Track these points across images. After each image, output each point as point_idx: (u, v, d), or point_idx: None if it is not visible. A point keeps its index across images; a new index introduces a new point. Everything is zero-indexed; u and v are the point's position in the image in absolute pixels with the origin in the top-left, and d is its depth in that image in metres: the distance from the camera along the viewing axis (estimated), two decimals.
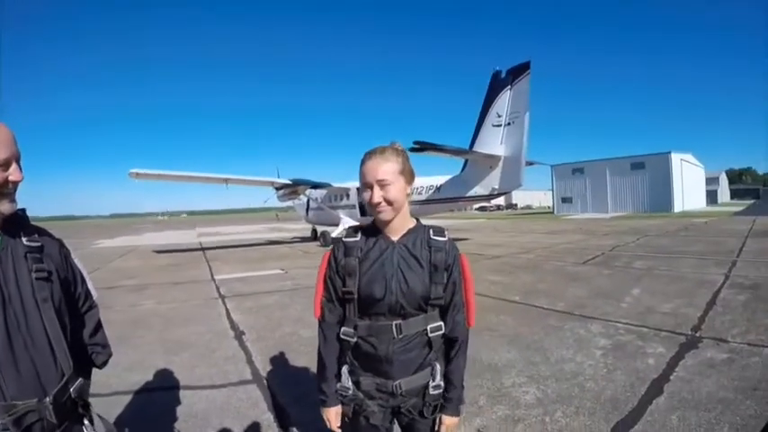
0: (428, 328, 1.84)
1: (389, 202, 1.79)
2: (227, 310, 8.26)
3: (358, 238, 1.89)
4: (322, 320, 1.94)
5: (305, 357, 5.36)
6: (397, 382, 1.81)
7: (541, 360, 5.06)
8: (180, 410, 4.08)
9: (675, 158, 47.52)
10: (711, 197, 69.19)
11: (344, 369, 1.89)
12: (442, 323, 1.88)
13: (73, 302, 1.80)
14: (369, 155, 1.83)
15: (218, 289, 10.65)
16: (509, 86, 16.53)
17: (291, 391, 4.42)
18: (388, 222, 1.85)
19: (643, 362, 4.83)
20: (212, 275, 13.03)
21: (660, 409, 3.75)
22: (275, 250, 20.73)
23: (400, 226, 1.88)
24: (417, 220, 1.96)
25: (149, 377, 4.93)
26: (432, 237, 1.87)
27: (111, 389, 4.44)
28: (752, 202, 68.99)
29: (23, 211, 1.62)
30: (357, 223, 14.84)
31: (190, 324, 7.24)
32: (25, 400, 1.47)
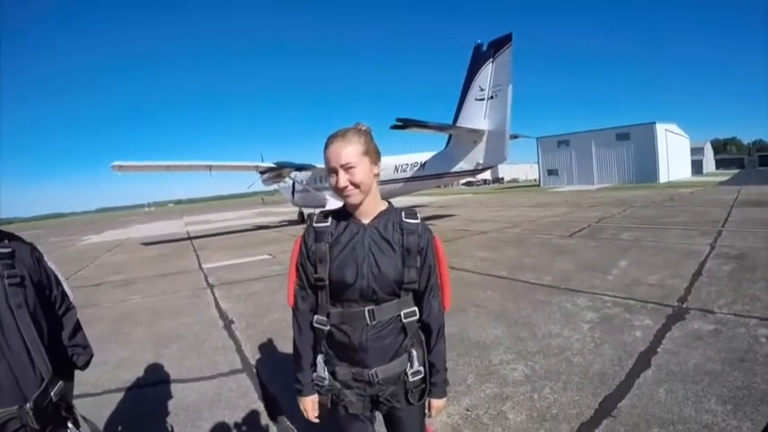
0: (402, 313, 1.82)
1: (356, 185, 1.75)
2: (215, 299, 8.24)
3: (328, 223, 1.86)
4: (295, 309, 1.91)
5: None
6: (373, 371, 1.79)
7: (529, 336, 5.09)
8: (171, 404, 4.09)
9: (660, 129, 47.70)
10: (697, 167, 69.71)
11: (320, 359, 1.87)
12: (416, 308, 1.86)
13: (49, 306, 1.78)
14: (330, 139, 1.79)
15: (206, 278, 10.60)
16: (491, 59, 16.36)
17: (280, 379, 4.41)
18: (357, 206, 1.81)
19: (630, 335, 4.87)
20: (200, 265, 12.96)
21: (648, 383, 3.78)
22: (263, 235, 20.64)
23: (371, 209, 1.85)
24: (389, 202, 1.93)
25: (140, 373, 4.91)
26: (404, 219, 1.85)
27: (103, 387, 4.45)
28: (736, 171, 69.68)
29: None
30: (343, 203, 14.86)
31: (178, 316, 7.22)
32: (6, 408, 1.46)
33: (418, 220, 1.86)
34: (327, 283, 1.79)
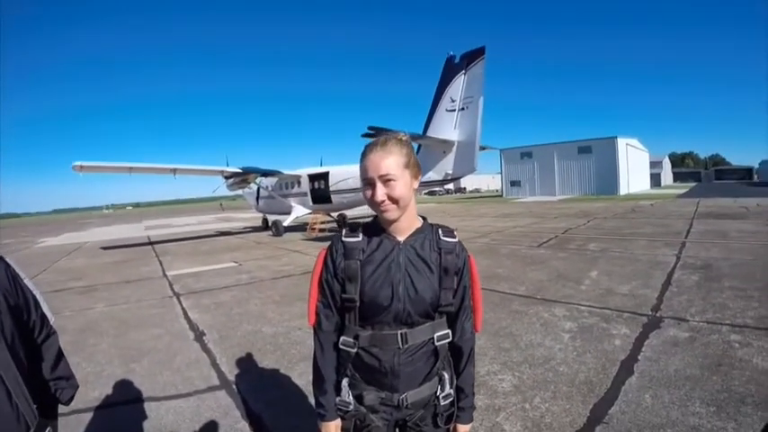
0: (435, 336, 1.70)
1: (394, 201, 1.61)
2: (183, 309, 7.94)
3: (360, 238, 1.72)
4: (318, 329, 1.77)
5: (271, 357, 5.21)
6: (403, 396, 1.68)
7: (512, 346, 5.10)
8: (147, 426, 3.84)
9: (621, 143, 49.31)
10: (655, 180, 72.29)
11: (344, 382, 1.73)
12: (449, 331, 1.75)
13: (27, 333, 1.55)
14: (369, 148, 1.65)
15: (171, 286, 10.25)
16: (463, 71, 16.50)
17: (263, 396, 4.23)
18: (393, 222, 1.68)
19: (610, 343, 4.96)
20: (164, 272, 12.55)
21: (633, 389, 3.87)
22: (226, 242, 20.28)
23: (407, 225, 1.72)
24: (424, 218, 1.80)
25: (109, 390, 4.62)
26: (441, 238, 1.72)
27: (70, 408, 4.12)
28: (694, 184, 72.52)
29: None
30: (309, 211, 14.40)
31: (146, 327, 6.89)
32: None
33: (456, 239, 1.75)
34: (358, 304, 1.67)
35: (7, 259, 1.55)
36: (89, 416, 4.08)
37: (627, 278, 7.98)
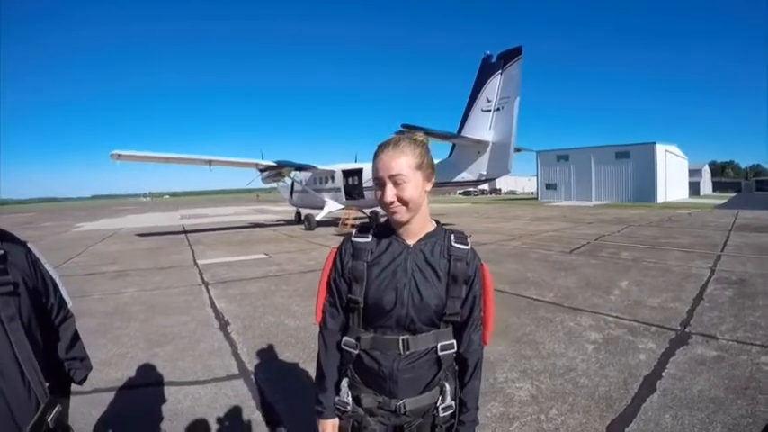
0: (438, 345, 1.66)
1: (404, 202, 1.58)
2: (210, 297, 8.10)
3: (369, 239, 1.70)
4: (323, 327, 1.77)
5: (292, 349, 5.26)
6: (401, 402, 1.65)
7: (533, 354, 5.01)
8: (165, 408, 3.93)
9: (660, 149, 47.88)
10: (694, 189, 70.05)
11: (344, 382, 1.72)
12: (454, 341, 1.70)
13: (45, 315, 1.60)
14: (382, 147, 1.63)
15: (201, 275, 10.46)
16: (499, 71, 16.33)
17: (279, 387, 4.29)
18: (403, 224, 1.65)
19: (635, 357, 4.82)
20: (195, 260, 12.82)
21: (654, 408, 3.73)
22: (259, 234, 20.54)
23: (418, 228, 1.69)
24: (438, 222, 1.77)
25: (132, 373, 4.75)
26: (453, 244, 1.68)
27: (92, 386, 4.26)
28: (733, 195, 70.07)
29: None
30: (341, 207, 14.47)
31: (173, 313, 7.07)
32: None
33: (468, 246, 1.70)
34: (362, 305, 1.66)
35: (29, 245, 1.60)
36: (110, 395, 4.22)
37: (658, 290, 7.75)
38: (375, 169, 1.62)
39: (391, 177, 1.57)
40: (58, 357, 1.67)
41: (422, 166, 1.63)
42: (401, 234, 1.70)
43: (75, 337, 1.77)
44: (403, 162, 1.58)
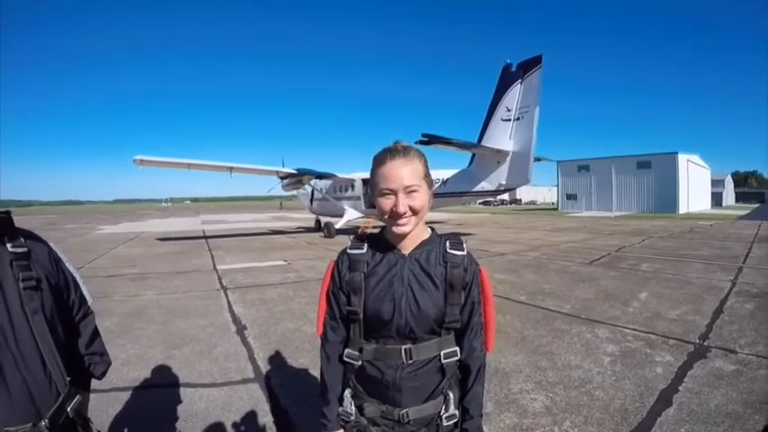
0: (441, 353, 1.65)
1: (415, 212, 1.58)
2: (228, 302, 8.19)
3: (364, 250, 1.70)
4: (324, 340, 1.78)
5: (308, 356, 5.29)
6: (404, 411, 1.64)
7: (549, 365, 4.97)
8: (180, 409, 4.00)
9: (682, 159, 47.20)
10: (716, 199, 68.84)
11: (347, 393, 1.72)
12: (457, 348, 1.69)
13: (66, 311, 1.67)
14: (389, 155, 1.60)
15: (220, 280, 10.59)
16: (519, 80, 16.28)
17: (294, 394, 4.33)
18: (405, 235, 1.64)
19: (651, 371, 4.75)
20: (215, 265, 12.97)
21: (669, 422, 3.67)
22: (278, 240, 20.70)
23: (414, 237, 1.68)
24: (432, 229, 1.76)
25: (148, 373, 4.85)
26: (448, 250, 1.67)
27: (110, 384, 4.37)
28: (757, 205, 68.63)
29: (8, 213, 1.48)
30: (361, 215, 14.44)
31: (191, 316, 7.17)
32: (18, 426, 1.36)
33: (464, 252, 1.68)
34: (361, 317, 1.66)
35: (50, 244, 1.68)
36: (126, 394, 4.31)
37: (677, 302, 7.63)
38: (385, 179, 1.59)
39: (406, 188, 1.56)
40: (78, 352, 1.74)
41: (427, 175, 1.65)
42: (396, 244, 1.70)
43: (95, 334, 1.84)
44: (414, 172, 1.58)
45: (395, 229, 1.62)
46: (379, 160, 1.63)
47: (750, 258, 12.60)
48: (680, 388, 4.31)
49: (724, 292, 8.30)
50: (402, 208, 1.56)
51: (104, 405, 3.99)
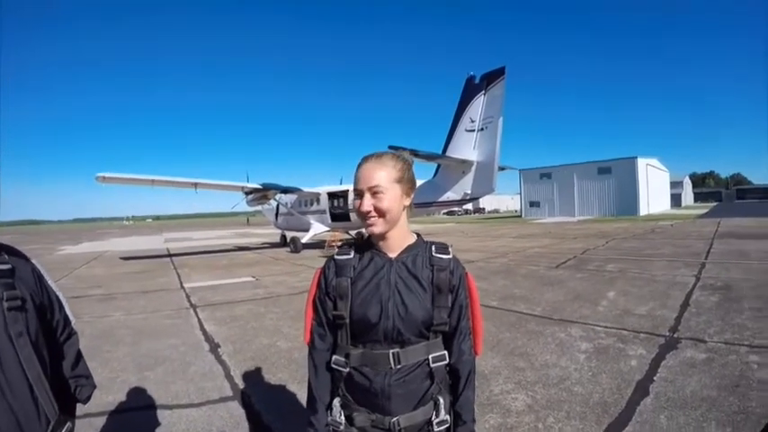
0: (430, 357, 1.65)
1: (381, 213, 1.61)
2: (199, 320, 7.99)
3: (351, 256, 1.71)
4: (312, 347, 1.77)
5: (285, 371, 5.21)
6: (395, 419, 1.61)
7: (527, 366, 5.04)
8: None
9: (641, 163, 48.85)
10: (675, 200, 71.35)
11: (336, 402, 1.70)
12: (445, 352, 1.70)
13: (50, 332, 1.59)
14: (364, 159, 1.67)
15: (188, 298, 10.34)
16: (483, 92, 16.52)
17: (274, 410, 4.23)
18: (380, 236, 1.67)
19: (626, 364, 4.89)
20: (182, 284, 12.68)
21: (648, 410, 3.81)
22: (244, 257, 20.45)
23: (398, 241, 1.70)
24: (418, 235, 1.78)
25: (123, 396, 4.65)
26: (434, 254, 1.69)
27: (83, 410, 4.16)
28: (714, 204, 71.37)
29: None
30: (327, 229, 14.35)
31: (161, 336, 6.95)
32: None
33: (450, 255, 1.71)
34: (347, 321, 1.65)
35: (33, 261, 1.59)
36: (102, 420, 4.11)
37: (645, 299, 7.88)
38: (356, 180, 1.65)
39: (370, 189, 1.61)
40: (63, 375, 1.65)
41: (402, 180, 1.67)
42: (382, 248, 1.71)
43: (79, 355, 1.76)
44: (383, 174, 1.62)
45: (366, 229, 1.68)
46: (358, 164, 1.68)
47: (712, 254, 13.11)
48: (655, 378, 4.46)
49: (689, 287, 8.61)
50: (366, 207, 1.60)
51: None
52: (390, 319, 1.60)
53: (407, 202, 1.71)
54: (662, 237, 19.82)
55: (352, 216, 20.16)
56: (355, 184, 1.65)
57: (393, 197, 1.63)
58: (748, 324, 5.99)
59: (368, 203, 1.60)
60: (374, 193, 1.60)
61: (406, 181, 1.69)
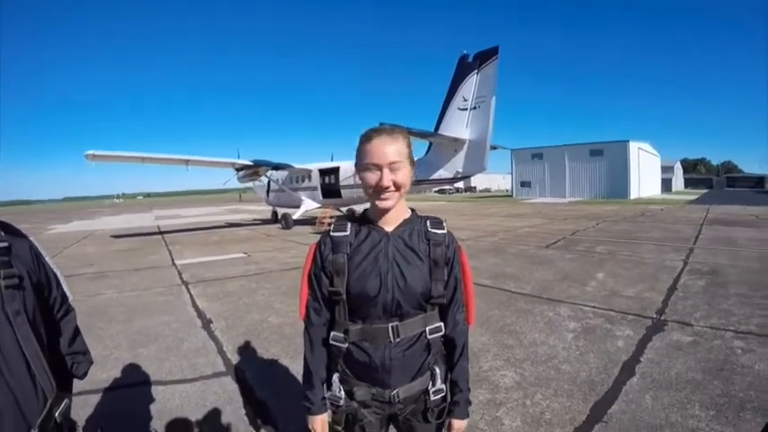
0: (427, 329, 1.69)
1: (398, 187, 1.62)
2: (191, 297, 8.03)
3: (347, 232, 1.71)
4: (308, 323, 1.77)
5: (277, 346, 5.27)
6: (395, 392, 1.67)
7: (515, 343, 5.13)
8: (153, 408, 3.91)
9: (633, 147, 48.87)
10: (666, 185, 71.58)
11: (335, 377, 1.72)
12: (441, 324, 1.74)
13: (48, 309, 1.59)
14: (374, 132, 1.64)
15: (180, 275, 10.36)
16: (476, 71, 16.46)
17: (267, 385, 4.30)
18: (387, 210, 1.68)
19: (613, 344, 4.98)
20: (173, 260, 12.68)
21: (634, 390, 3.90)
22: (236, 233, 20.41)
23: (396, 216, 1.72)
24: (413, 210, 1.79)
25: (117, 373, 4.70)
26: (429, 229, 1.72)
27: (79, 388, 4.19)
28: (705, 191, 71.81)
29: None
30: (318, 205, 14.36)
31: (154, 313, 6.99)
32: None
33: (445, 230, 1.74)
34: (344, 297, 1.66)
35: (31, 238, 1.60)
36: (97, 396, 4.16)
37: (633, 281, 7.98)
38: (369, 154, 1.62)
39: (390, 164, 1.60)
40: (60, 352, 1.67)
41: (410, 155, 1.69)
42: (379, 222, 1.72)
43: (77, 332, 1.77)
44: (399, 149, 1.62)
45: (378, 203, 1.65)
46: (365, 138, 1.66)
47: (700, 240, 13.24)
48: (641, 359, 4.55)
49: (677, 271, 8.71)
50: (386, 182, 1.59)
51: (74, 409, 3.83)
52: (390, 292, 1.62)
53: (413, 177, 1.73)
54: (652, 221, 19.95)
55: (344, 193, 20.16)
56: (368, 157, 1.62)
57: (407, 172, 1.66)
58: (734, 309, 6.09)
59: (387, 178, 1.59)
60: (393, 168, 1.61)
61: (411, 155, 1.72)
